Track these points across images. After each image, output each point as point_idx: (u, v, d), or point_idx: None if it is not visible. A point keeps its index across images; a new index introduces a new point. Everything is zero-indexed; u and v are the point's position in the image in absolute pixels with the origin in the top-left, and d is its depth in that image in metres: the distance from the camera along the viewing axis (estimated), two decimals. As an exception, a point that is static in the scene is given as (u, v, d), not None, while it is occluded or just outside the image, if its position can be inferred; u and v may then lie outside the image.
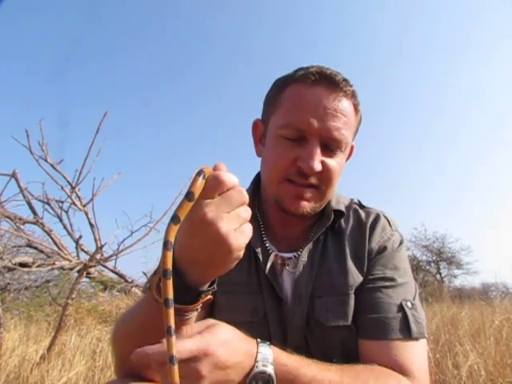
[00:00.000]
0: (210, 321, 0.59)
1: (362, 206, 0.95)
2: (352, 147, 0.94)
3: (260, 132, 0.92)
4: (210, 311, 0.86)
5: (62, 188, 3.99)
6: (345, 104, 0.82)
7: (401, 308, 0.79)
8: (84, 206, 3.98)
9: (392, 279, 0.83)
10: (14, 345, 3.11)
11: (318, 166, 0.79)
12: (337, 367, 0.67)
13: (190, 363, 0.52)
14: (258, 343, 0.62)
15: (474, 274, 15.13)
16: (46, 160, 4.03)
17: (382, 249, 0.87)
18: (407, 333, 0.76)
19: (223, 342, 0.56)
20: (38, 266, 5.27)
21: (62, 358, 2.79)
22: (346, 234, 0.89)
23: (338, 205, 0.92)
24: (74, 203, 3.97)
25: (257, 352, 0.60)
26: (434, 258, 15.94)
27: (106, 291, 6.05)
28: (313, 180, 0.82)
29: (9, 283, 6.01)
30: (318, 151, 0.80)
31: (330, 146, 0.82)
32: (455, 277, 15.77)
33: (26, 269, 5.06)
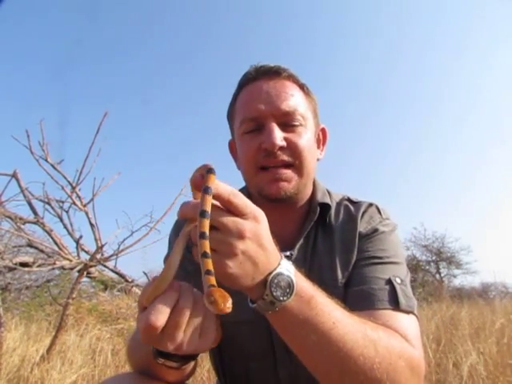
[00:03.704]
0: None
1: (352, 202, 0.96)
2: (324, 130, 0.98)
3: (235, 148, 0.97)
4: None
5: (63, 188, 3.99)
6: (286, 84, 0.88)
7: (389, 282, 0.77)
8: (84, 205, 3.98)
9: (381, 257, 0.82)
10: (14, 344, 3.11)
11: (279, 141, 0.82)
12: (346, 310, 0.65)
13: (236, 220, 0.53)
14: (279, 252, 0.61)
15: (473, 273, 15.10)
16: (46, 160, 4.03)
17: (372, 232, 0.87)
18: (395, 304, 0.73)
19: (267, 225, 0.57)
20: (39, 266, 5.27)
21: (62, 358, 2.80)
22: (335, 229, 0.90)
23: (324, 198, 0.93)
24: (74, 203, 3.97)
25: (281, 258, 0.60)
26: (434, 257, 15.89)
27: (107, 291, 6.05)
28: (283, 157, 0.84)
29: (9, 283, 6.01)
30: (276, 128, 0.83)
31: (287, 122, 0.85)
32: (455, 277, 15.73)
33: (26, 268, 5.06)
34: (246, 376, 0.88)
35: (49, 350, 2.87)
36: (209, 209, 0.51)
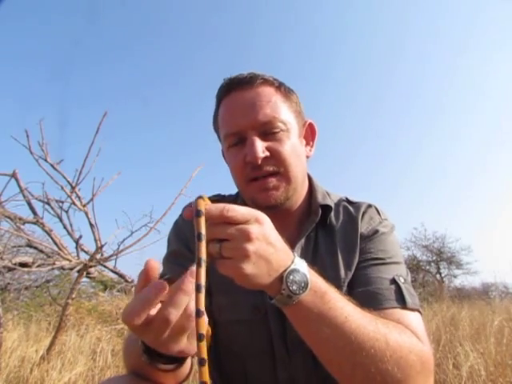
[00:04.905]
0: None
1: (350, 202, 0.97)
2: (311, 125, 0.98)
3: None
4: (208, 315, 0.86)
5: (62, 188, 3.98)
6: (260, 92, 0.86)
7: (394, 281, 0.79)
8: (84, 205, 3.97)
9: (383, 258, 0.85)
10: (14, 345, 3.11)
11: (261, 153, 0.82)
12: (358, 306, 0.67)
13: (240, 227, 0.55)
14: (292, 251, 0.64)
15: (473, 273, 15.10)
16: (45, 160, 4.01)
17: (373, 233, 0.89)
18: (403, 303, 0.75)
19: (271, 225, 0.60)
20: (38, 266, 5.27)
21: (61, 358, 2.79)
22: (336, 230, 0.91)
23: (325, 200, 0.94)
24: (74, 203, 3.96)
25: (294, 256, 0.63)
26: (434, 257, 15.88)
27: (106, 291, 6.05)
28: (268, 167, 0.84)
29: (9, 283, 6.01)
30: (257, 141, 0.83)
31: (267, 130, 0.85)
32: (455, 277, 15.72)
33: (26, 269, 5.05)
34: (245, 377, 0.88)
35: (48, 350, 2.86)
36: (203, 231, 0.52)
